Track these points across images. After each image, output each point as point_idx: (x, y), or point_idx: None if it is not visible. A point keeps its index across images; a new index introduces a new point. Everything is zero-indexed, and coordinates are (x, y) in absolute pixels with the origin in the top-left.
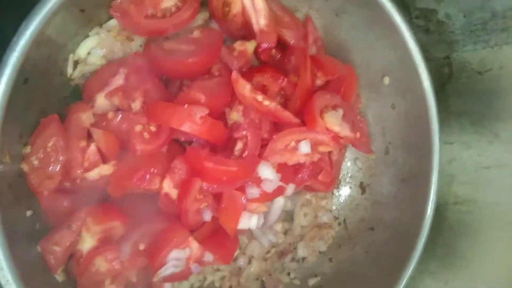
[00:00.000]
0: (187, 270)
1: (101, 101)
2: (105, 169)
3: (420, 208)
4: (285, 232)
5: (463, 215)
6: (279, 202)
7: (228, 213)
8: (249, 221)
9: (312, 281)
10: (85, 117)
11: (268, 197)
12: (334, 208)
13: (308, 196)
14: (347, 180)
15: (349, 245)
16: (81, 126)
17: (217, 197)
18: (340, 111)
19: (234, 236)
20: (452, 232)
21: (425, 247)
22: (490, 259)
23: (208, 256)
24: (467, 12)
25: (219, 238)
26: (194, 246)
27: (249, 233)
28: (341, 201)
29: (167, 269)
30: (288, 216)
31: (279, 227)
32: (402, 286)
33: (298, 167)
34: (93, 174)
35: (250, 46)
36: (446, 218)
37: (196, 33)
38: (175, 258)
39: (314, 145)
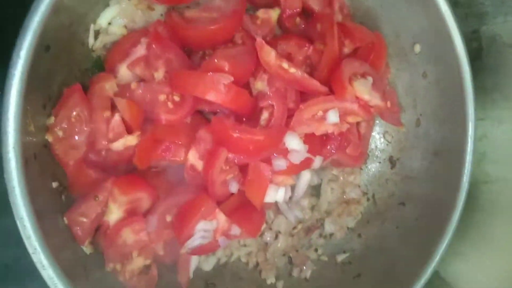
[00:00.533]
0: (214, 243)
1: (124, 71)
2: (130, 140)
3: (454, 181)
4: (312, 208)
5: (495, 195)
6: (306, 176)
7: (255, 185)
8: (275, 194)
9: (340, 257)
10: (109, 87)
11: (295, 170)
12: (363, 183)
13: (335, 171)
14: (376, 155)
15: (378, 221)
16: (104, 96)
17: (244, 170)
18: (370, 79)
19: (260, 210)
20: (483, 213)
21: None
22: None
23: (235, 230)
24: None
25: (245, 211)
26: (221, 218)
27: (276, 208)
28: (370, 176)
29: (195, 241)
30: (315, 192)
31: (305, 202)
32: (434, 263)
33: (326, 138)
34: (118, 145)
35: (273, 13)
36: (477, 198)
37: (218, 1)
38: (203, 230)
39: (343, 115)
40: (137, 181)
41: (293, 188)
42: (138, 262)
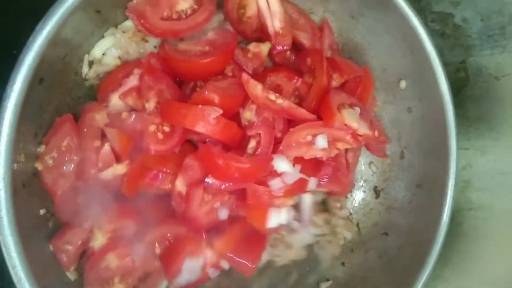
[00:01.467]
0: (204, 275)
1: (116, 101)
2: (119, 169)
3: (436, 214)
4: (328, 222)
5: (478, 222)
6: (306, 198)
7: (255, 209)
8: (278, 217)
9: (324, 285)
10: (99, 117)
11: (291, 192)
12: (348, 212)
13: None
14: (361, 184)
15: (362, 250)
16: (95, 126)
17: (241, 195)
18: (357, 109)
19: (263, 235)
20: (466, 239)
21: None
22: (506, 266)
23: (225, 263)
24: (484, 16)
25: (246, 242)
26: (208, 253)
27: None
28: (355, 205)
29: (182, 277)
30: (325, 207)
31: (319, 220)
32: None
33: (318, 163)
34: (107, 174)
35: (264, 48)
36: (460, 224)
37: (211, 34)
38: (189, 266)
39: (332, 142)
40: (123, 209)
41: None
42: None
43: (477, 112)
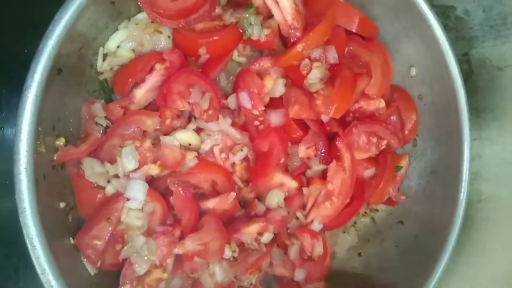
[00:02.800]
0: None
1: (141, 96)
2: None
3: (452, 199)
4: None
5: (488, 213)
6: None
7: None
8: None
9: None
10: (151, 123)
11: None
12: None
13: None
14: None
15: (377, 239)
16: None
17: None
18: None
19: None
20: (477, 231)
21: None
22: None
23: None
24: (486, 7)
25: None
26: None
27: None
28: None
29: None
30: None
31: None
32: (435, 280)
33: None
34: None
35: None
36: (471, 217)
37: (219, 10)
38: None
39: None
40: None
41: None
42: (156, 274)
43: (482, 103)
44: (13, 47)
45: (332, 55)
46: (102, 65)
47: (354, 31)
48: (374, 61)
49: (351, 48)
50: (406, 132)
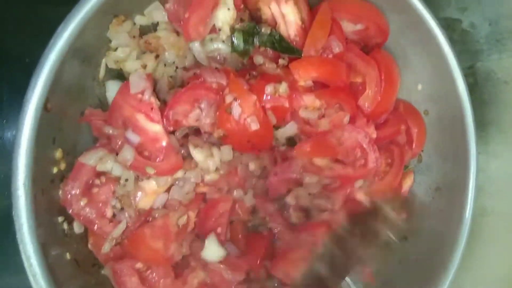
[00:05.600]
0: None
1: None
2: None
3: (457, 216)
4: None
5: (492, 227)
6: None
7: None
8: None
9: None
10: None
11: None
12: None
13: None
14: None
15: (381, 255)
16: None
17: None
18: None
19: None
20: (480, 245)
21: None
22: None
23: None
24: (492, 21)
25: None
26: None
27: None
28: None
29: None
30: None
31: None
32: None
33: None
34: None
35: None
36: (474, 231)
37: None
38: None
39: None
40: None
41: None
42: None
43: (487, 116)
44: (15, 54)
45: (336, 44)
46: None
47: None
48: (370, 73)
49: (348, 58)
50: (414, 146)
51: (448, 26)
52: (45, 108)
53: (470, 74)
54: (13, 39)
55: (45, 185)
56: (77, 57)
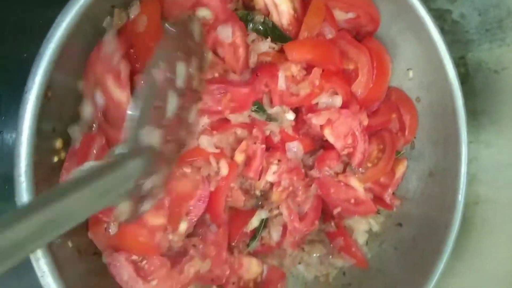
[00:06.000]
0: None
1: None
2: None
3: (450, 201)
4: None
5: (485, 215)
6: None
7: None
8: None
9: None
10: None
11: None
12: None
13: None
14: None
15: (377, 242)
16: None
17: None
18: None
19: None
20: (475, 233)
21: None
22: None
23: None
24: (482, 11)
25: None
26: None
27: None
28: None
29: None
30: None
31: None
32: (434, 281)
33: None
34: None
35: None
36: (468, 219)
37: None
38: None
39: None
40: None
41: None
42: None
43: (479, 106)
44: (12, 52)
45: (329, 30)
46: None
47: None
48: (362, 60)
49: (340, 45)
50: (406, 133)
51: (439, 17)
52: (46, 96)
53: (461, 64)
54: (8, 36)
55: (46, 173)
56: (76, 47)
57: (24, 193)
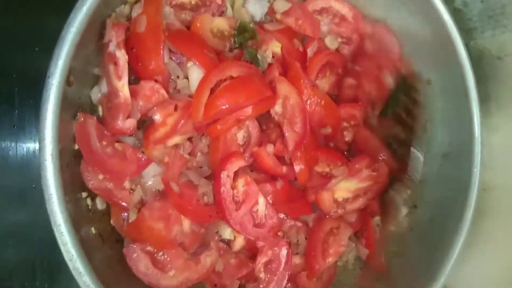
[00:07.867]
0: None
1: None
2: None
3: (465, 181)
4: None
5: (493, 201)
6: None
7: None
8: None
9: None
10: None
11: None
12: None
13: None
14: None
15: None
16: None
17: None
18: None
19: None
20: (484, 219)
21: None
22: None
23: None
24: None
25: None
26: None
27: None
28: None
29: None
30: None
31: None
32: (451, 263)
33: None
34: None
35: None
36: (477, 205)
37: None
38: None
39: None
40: None
41: None
42: None
43: (485, 92)
44: (22, 63)
45: None
46: None
47: None
48: None
49: None
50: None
51: None
52: (68, 81)
53: None
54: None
55: (69, 159)
56: (94, 33)
57: (50, 177)
